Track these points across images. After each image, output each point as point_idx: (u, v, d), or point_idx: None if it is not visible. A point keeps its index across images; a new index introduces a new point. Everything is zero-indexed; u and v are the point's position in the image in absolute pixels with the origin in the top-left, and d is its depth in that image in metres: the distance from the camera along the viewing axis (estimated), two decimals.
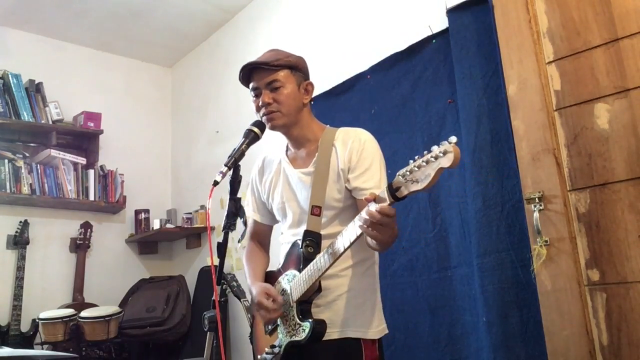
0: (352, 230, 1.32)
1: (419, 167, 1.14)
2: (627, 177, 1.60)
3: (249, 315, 1.76)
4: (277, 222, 1.81)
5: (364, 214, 1.26)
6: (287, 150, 1.72)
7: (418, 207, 2.36)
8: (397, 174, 1.19)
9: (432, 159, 1.10)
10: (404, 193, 1.18)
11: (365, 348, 1.52)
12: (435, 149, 1.10)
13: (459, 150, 1.08)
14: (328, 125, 1.71)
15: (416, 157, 1.15)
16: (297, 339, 1.47)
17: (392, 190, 1.20)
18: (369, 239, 1.38)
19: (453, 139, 1.09)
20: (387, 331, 1.61)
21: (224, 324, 1.43)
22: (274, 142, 1.76)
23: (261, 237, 1.82)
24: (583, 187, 1.68)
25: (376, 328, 1.57)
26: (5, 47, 3.75)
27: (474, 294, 2.08)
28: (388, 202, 1.21)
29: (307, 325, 1.45)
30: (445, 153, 1.08)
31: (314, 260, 1.45)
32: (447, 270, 2.23)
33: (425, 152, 1.13)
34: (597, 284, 1.62)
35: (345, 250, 1.36)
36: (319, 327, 1.45)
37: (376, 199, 1.24)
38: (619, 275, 1.58)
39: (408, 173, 1.16)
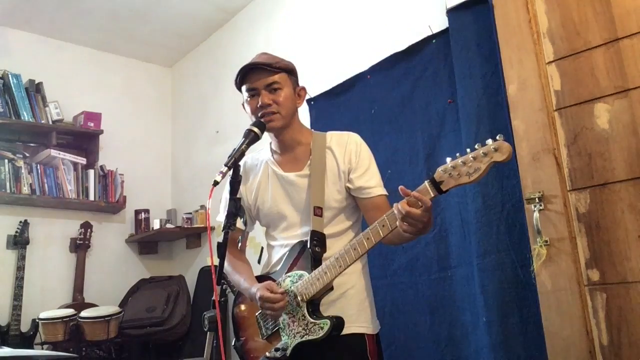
0: (389, 221, 1.35)
1: (464, 162, 1.22)
2: (627, 177, 1.60)
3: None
4: (253, 228, 1.82)
5: (401, 207, 1.28)
6: (272, 154, 1.72)
7: None
8: (438, 169, 1.26)
9: (482, 155, 1.20)
10: (450, 185, 1.25)
11: (369, 342, 1.55)
12: (484, 147, 1.20)
13: (510, 145, 1.18)
14: (313, 130, 1.74)
15: (457, 155, 1.24)
16: (312, 337, 1.47)
17: (436, 183, 1.26)
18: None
19: (501, 136, 1.19)
20: (380, 327, 1.65)
21: (224, 324, 1.43)
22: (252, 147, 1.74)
23: (239, 243, 1.82)
24: (583, 187, 1.68)
25: (375, 323, 1.63)
26: (5, 47, 3.75)
27: (474, 294, 2.08)
28: (432, 195, 1.27)
29: (326, 323, 1.46)
30: (497, 149, 1.18)
31: (334, 257, 1.46)
32: (447, 270, 2.23)
33: (469, 149, 1.23)
34: (597, 284, 1.62)
35: (379, 241, 1.39)
36: (339, 323, 1.47)
37: (414, 193, 1.28)
38: (619, 275, 1.58)
39: (451, 168, 1.24)
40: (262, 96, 1.59)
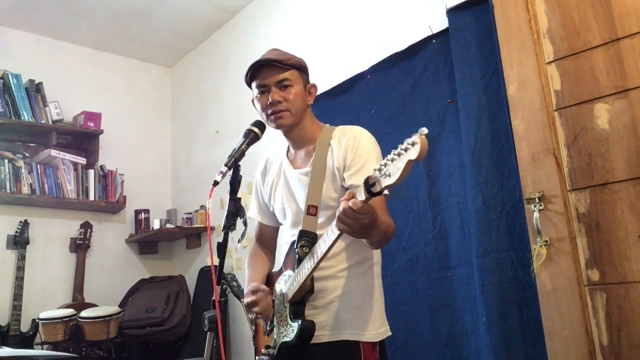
0: (332, 229, 1.31)
1: (392, 160, 1.07)
2: (627, 177, 1.59)
3: (250, 315, 1.76)
4: (280, 224, 1.79)
5: (339, 210, 1.23)
6: (287, 152, 1.72)
7: (418, 207, 2.36)
8: (374, 168, 1.13)
9: (402, 152, 1.04)
10: (377, 189, 1.12)
11: (364, 350, 1.48)
12: (406, 141, 1.04)
13: (426, 141, 1.01)
14: (327, 125, 1.69)
15: (392, 151, 1.08)
16: (286, 339, 1.46)
17: (369, 185, 1.14)
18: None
19: (424, 130, 1.02)
20: (389, 333, 1.57)
21: (224, 324, 1.42)
22: (276, 143, 1.76)
23: (265, 239, 1.81)
24: (583, 187, 1.68)
25: (376, 330, 1.53)
26: (5, 47, 3.75)
27: (474, 294, 2.08)
28: (364, 197, 1.16)
29: (295, 326, 1.44)
30: (413, 144, 1.02)
31: (303, 261, 1.45)
32: (447, 270, 2.23)
33: (400, 144, 1.06)
34: (597, 284, 1.62)
35: (327, 251, 1.34)
36: (307, 327, 1.43)
37: (355, 196, 1.21)
38: (619, 275, 1.58)
39: (382, 167, 1.10)
40: (272, 93, 1.56)
